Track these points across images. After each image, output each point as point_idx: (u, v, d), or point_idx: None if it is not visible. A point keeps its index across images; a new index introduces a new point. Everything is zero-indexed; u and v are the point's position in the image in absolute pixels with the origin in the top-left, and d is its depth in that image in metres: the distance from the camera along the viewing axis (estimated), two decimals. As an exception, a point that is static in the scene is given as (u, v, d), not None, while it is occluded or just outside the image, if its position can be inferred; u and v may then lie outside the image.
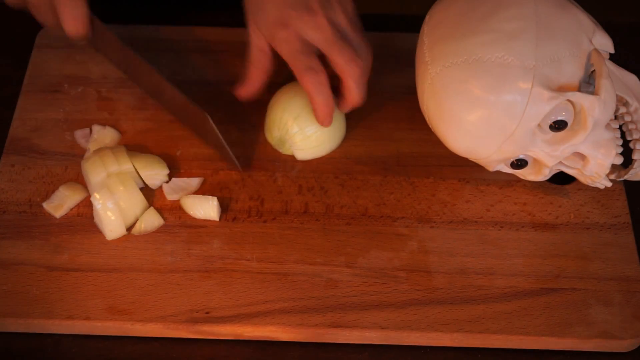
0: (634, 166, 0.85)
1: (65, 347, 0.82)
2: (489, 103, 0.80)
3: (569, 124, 0.82)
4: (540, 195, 0.90)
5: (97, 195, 0.86)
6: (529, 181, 0.90)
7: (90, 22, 0.88)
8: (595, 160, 0.83)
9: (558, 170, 0.87)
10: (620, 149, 0.83)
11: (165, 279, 0.84)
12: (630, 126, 0.85)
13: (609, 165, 0.84)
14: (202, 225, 0.88)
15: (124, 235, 0.87)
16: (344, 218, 0.88)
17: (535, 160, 0.86)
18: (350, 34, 0.88)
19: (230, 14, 0.96)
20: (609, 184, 0.86)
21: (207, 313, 0.82)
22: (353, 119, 0.94)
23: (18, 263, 0.85)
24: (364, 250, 0.86)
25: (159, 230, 0.87)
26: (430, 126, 0.87)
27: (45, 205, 0.88)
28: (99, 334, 0.82)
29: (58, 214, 0.88)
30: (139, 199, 0.88)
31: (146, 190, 0.90)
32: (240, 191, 0.90)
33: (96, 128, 0.93)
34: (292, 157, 0.92)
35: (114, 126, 0.94)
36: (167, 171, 0.90)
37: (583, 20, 0.83)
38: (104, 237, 0.86)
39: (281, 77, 0.92)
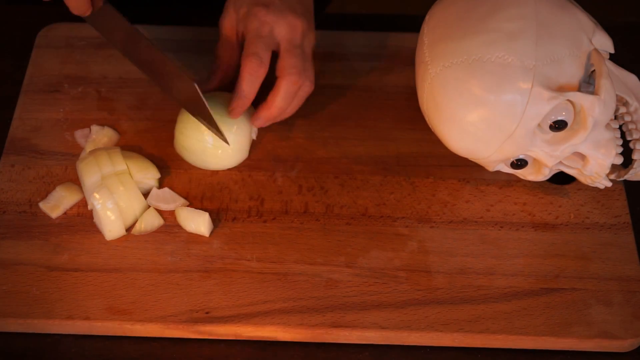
0: (634, 166, 0.85)
1: (65, 347, 0.82)
2: (489, 103, 0.80)
3: (569, 124, 0.82)
4: (540, 195, 0.90)
5: (96, 195, 0.85)
6: (529, 181, 0.90)
7: None
8: (595, 160, 0.83)
9: (558, 170, 0.87)
10: (620, 149, 0.83)
11: (165, 279, 0.84)
12: (630, 126, 0.85)
13: (609, 165, 0.84)
14: (202, 225, 0.88)
15: (124, 235, 0.87)
16: (344, 218, 0.88)
17: (535, 160, 0.86)
18: (308, 59, 0.90)
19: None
20: (609, 184, 0.86)
21: (207, 313, 0.82)
22: (353, 119, 0.95)
23: (18, 263, 0.85)
24: (364, 250, 0.86)
25: (158, 230, 0.87)
26: (430, 126, 0.87)
27: (41, 205, 0.88)
28: (99, 334, 0.82)
29: (54, 214, 0.87)
30: (139, 199, 0.87)
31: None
32: (240, 191, 0.90)
33: (95, 128, 0.93)
34: (293, 157, 0.92)
35: (113, 126, 0.94)
36: (158, 176, 0.89)
37: (583, 20, 0.83)
38: (104, 237, 0.86)
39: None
